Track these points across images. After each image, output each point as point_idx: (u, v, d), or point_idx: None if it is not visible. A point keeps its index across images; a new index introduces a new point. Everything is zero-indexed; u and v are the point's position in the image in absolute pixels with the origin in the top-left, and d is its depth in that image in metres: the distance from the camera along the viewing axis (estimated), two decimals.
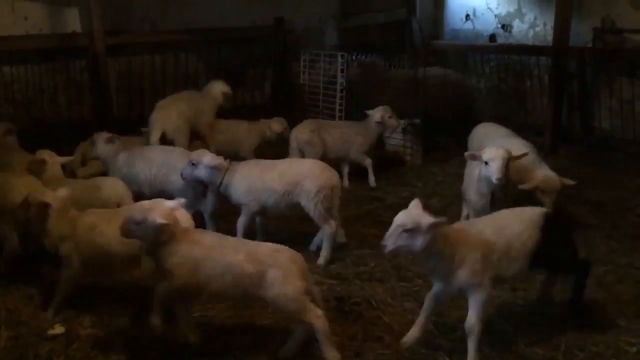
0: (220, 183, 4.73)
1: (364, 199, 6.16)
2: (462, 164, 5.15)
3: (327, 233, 4.62)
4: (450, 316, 3.90)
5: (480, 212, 4.60)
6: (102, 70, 7.02)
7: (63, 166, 4.98)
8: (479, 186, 4.51)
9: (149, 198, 4.32)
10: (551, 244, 3.50)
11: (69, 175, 5.38)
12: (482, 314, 3.35)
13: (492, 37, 9.09)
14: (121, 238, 3.48)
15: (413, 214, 3.23)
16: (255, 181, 4.72)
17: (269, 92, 8.78)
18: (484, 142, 5.22)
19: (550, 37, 7.75)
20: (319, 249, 4.72)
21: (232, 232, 4.53)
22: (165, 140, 5.93)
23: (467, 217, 4.93)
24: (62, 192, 3.95)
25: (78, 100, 7.38)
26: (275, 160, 5.15)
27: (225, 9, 8.19)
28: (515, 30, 8.83)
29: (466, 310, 3.44)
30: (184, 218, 3.65)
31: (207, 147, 5.67)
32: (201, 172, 4.69)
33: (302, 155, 6.25)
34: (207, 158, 4.67)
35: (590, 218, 5.48)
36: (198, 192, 4.97)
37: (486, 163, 4.32)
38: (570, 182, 4.96)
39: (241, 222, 4.80)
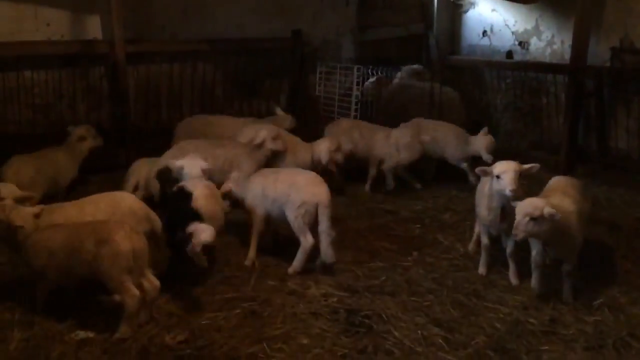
0: None
1: (377, 212, 6.16)
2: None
3: (302, 246, 4.64)
4: (462, 332, 3.87)
5: (488, 227, 4.64)
6: (122, 77, 7.11)
7: None
8: (489, 201, 4.51)
9: None
10: None
11: None
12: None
13: (509, 54, 9.08)
14: None
15: (535, 203, 3.90)
16: (260, 188, 4.90)
17: (284, 103, 8.83)
18: None
19: (567, 56, 7.73)
20: (321, 264, 4.70)
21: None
22: None
23: (479, 234, 4.93)
24: None
25: (96, 106, 7.49)
26: (283, 169, 5.32)
27: (245, 20, 8.28)
28: (532, 47, 8.82)
29: (479, 327, 3.40)
30: None
31: None
32: None
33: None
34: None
35: (606, 238, 5.43)
36: None
37: (498, 177, 4.33)
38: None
39: (253, 227, 4.90)
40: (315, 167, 5.85)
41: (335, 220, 4.78)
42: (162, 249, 4.39)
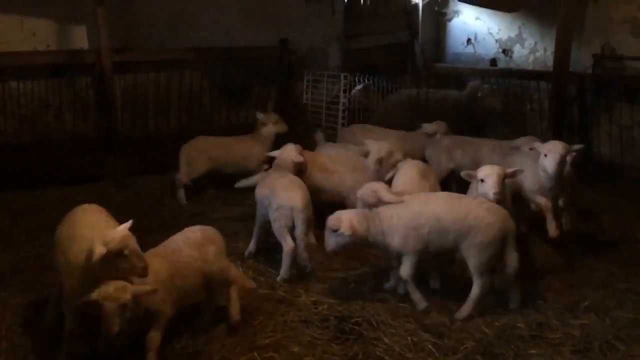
0: None
1: None
2: (463, 183, 5.21)
3: (284, 251, 4.69)
4: (451, 338, 3.91)
5: None
6: (108, 87, 7.10)
7: None
8: None
9: None
10: None
11: None
12: None
13: (493, 62, 9.21)
14: None
15: None
16: (255, 193, 5.09)
17: (272, 111, 8.85)
18: None
19: (550, 63, 7.87)
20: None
21: None
22: None
23: None
24: None
25: (83, 116, 7.46)
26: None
27: (232, 28, 8.31)
28: (515, 55, 8.96)
29: (467, 333, 3.45)
30: None
31: None
32: None
33: None
34: None
35: (590, 243, 5.51)
36: None
37: (482, 180, 4.40)
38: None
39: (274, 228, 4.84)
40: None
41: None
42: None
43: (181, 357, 3.70)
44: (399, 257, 4.28)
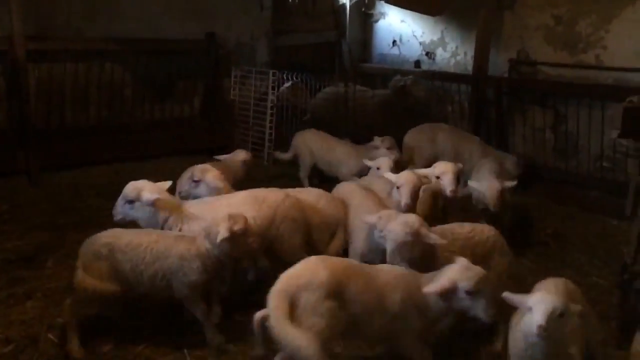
0: None
1: None
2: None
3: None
4: None
5: None
6: (22, 76, 6.66)
7: None
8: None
9: None
10: None
11: None
12: None
13: (417, 63, 9.49)
14: None
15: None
16: None
17: (198, 106, 8.68)
18: None
19: (470, 66, 8.21)
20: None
21: None
22: None
23: None
24: None
25: None
26: None
27: (156, 20, 8.04)
28: (438, 57, 9.27)
29: None
30: None
31: None
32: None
33: None
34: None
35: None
36: None
37: (437, 177, 4.46)
38: None
39: None
40: None
41: None
42: None
43: None
44: None
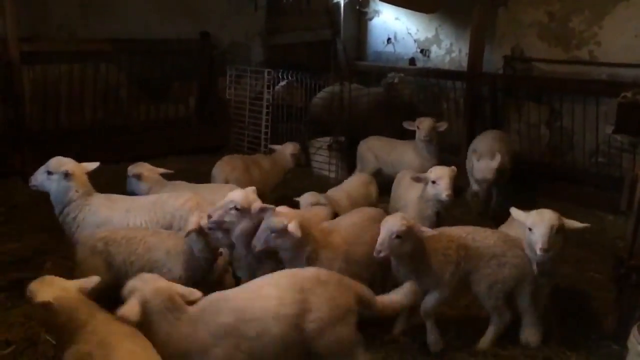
0: None
1: None
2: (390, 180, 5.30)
3: None
4: None
5: None
6: (16, 78, 6.64)
7: None
8: (423, 208, 4.58)
9: None
10: None
11: None
12: None
13: (412, 61, 9.50)
14: None
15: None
16: None
17: (193, 106, 8.67)
18: None
19: (465, 63, 8.23)
20: None
21: None
22: None
23: None
24: None
25: None
26: None
27: (150, 21, 8.03)
28: (433, 55, 9.29)
29: None
30: None
31: None
32: None
33: None
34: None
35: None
36: None
37: (434, 182, 4.44)
38: None
39: None
40: None
41: None
42: None
43: None
44: None
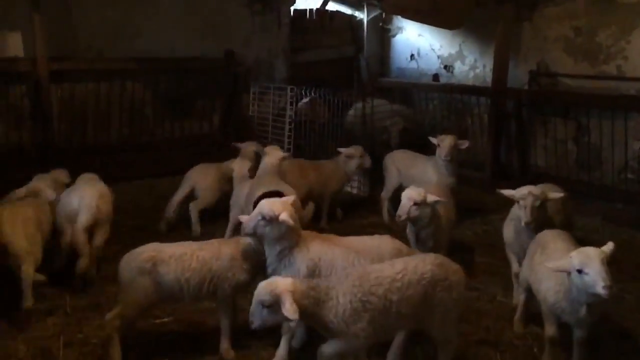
0: None
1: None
2: None
3: None
4: None
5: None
6: (45, 96, 6.83)
7: None
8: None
9: None
10: None
11: None
12: None
13: (436, 77, 9.46)
14: None
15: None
16: None
17: (217, 123, 8.76)
18: None
19: (489, 79, 8.15)
20: None
21: None
22: None
23: None
24: None
25: (17, 126, 7.12)
26: None
27: (176, 40, 8.17)
28: (456, 71, 9.23)
29: None
30: None
31: None
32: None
33: None
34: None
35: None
36: None
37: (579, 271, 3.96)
38: None
39: None
40: None
41: None
42: None
43: None
44: None
